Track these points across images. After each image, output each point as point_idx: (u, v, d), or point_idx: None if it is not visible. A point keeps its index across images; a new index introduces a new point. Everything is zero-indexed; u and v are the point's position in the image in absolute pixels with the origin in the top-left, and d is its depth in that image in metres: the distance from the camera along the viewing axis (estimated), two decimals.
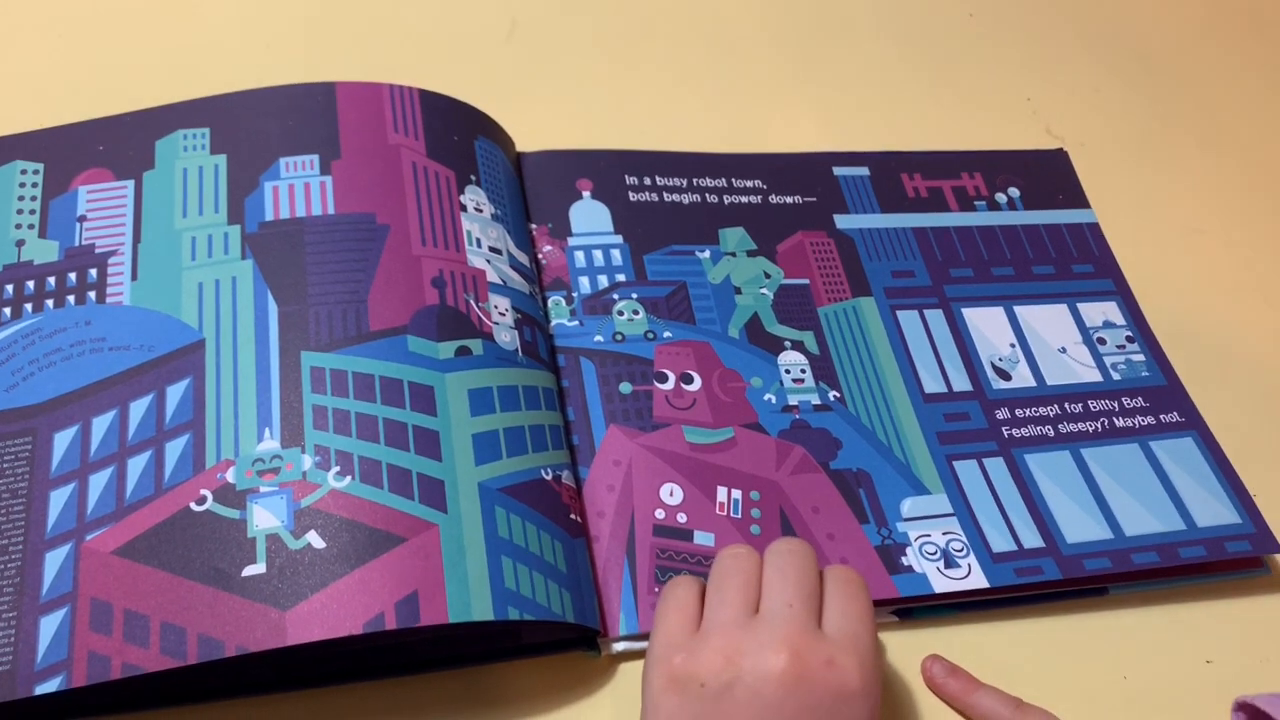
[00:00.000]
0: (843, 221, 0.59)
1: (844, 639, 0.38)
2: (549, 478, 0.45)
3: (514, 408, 0.46)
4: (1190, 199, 0.67)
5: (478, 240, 0.50)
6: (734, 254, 0.56)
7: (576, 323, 0.52)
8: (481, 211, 0.52)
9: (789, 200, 0.59)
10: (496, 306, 0.49)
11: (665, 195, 0.58)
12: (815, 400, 0.52)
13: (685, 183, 0.59)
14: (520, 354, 0.48)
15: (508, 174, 0.55)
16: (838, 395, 0.52)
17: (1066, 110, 0.69)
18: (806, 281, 0.56)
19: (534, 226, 0.55)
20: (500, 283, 0.50)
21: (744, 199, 0.59)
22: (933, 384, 0.53)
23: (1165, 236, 0.64)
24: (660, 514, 0.47)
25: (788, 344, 0.54)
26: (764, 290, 0.55)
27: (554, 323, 0.52)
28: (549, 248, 0.55)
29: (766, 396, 0.51)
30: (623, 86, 0.66)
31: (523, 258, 0.53)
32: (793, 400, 0.52)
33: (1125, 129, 0.69)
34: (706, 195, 0.59)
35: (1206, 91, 0.73)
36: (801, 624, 0.38)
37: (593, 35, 0.68)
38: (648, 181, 0.58)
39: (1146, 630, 0.48)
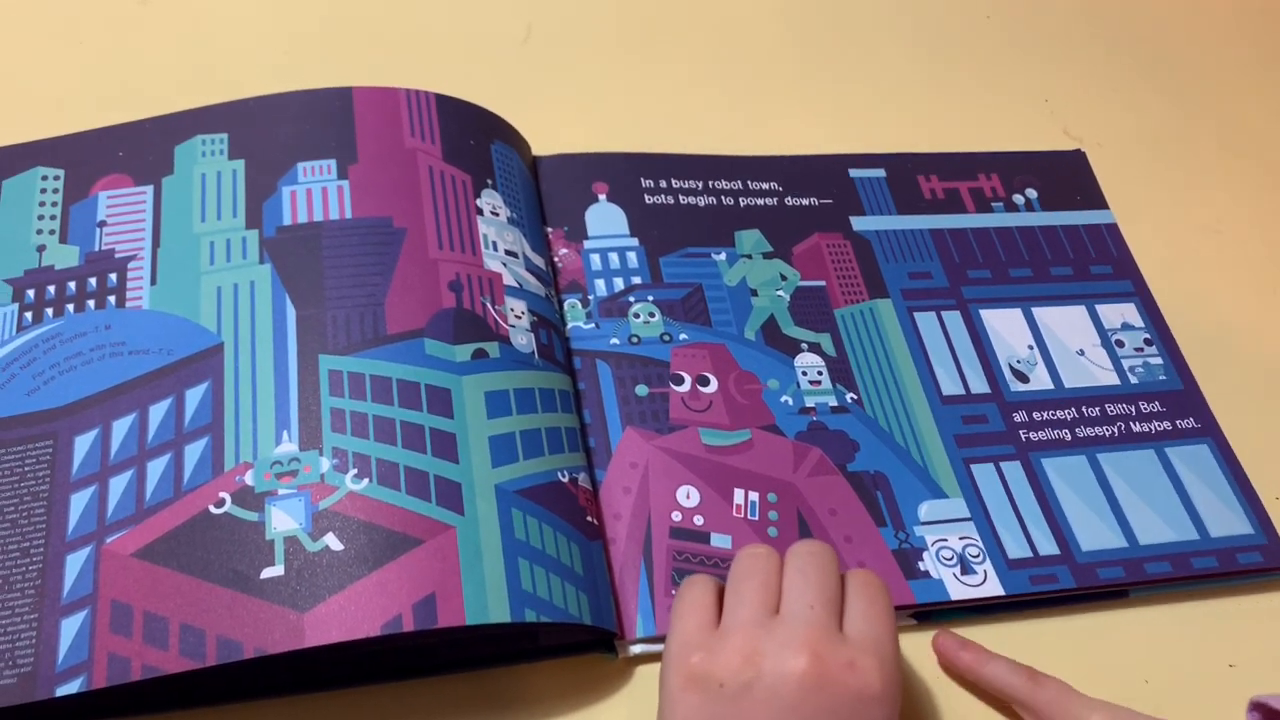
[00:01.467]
0: (859, 223, 0.59)
1: (865, 642, 0.38)
2: (565, 480, 0.45)
3: (530, 410, 0.46)
4: (1209, 199, 0.66)
5: (494, 243, 0.51)
6: (750, 256, 0.56)
7: (592, 325, 0.52)
8: (498, 215, 0.52)
9: (805, 202, 0.59)
10: (513, 309, 0.49)
11: (681, 198, 0.58)
12: (832, 402, 0.52)
13: (701, 185, 0.59)
14: (536, 356, 0.48)
15: (524, 177, 0.55)
16: (855, 397, 0.52)
17: (1084, 111, 0.69)
18: (823, 283, 0.56)
19: (550, 229, 0.55)
20: (516, 286, 0.50)
21: (760, 201, 0.59)
22: (950, 386, 0.53)
23: (1184, 237, 0.64)
24: (677, 516, 0.47)
25: (804, 346, 0.53)
26: (780, 292, 0.55)
27: (570, 325, 0.52)
28: (565, 250, 0.55)
29: (783, 398, 0.51)
30: (638, 89, 0.66)
31: (539, 261, 0.53)
32: (810, 402, 0.51)
33: (1143, 129, 0.69)
34: (722, 197, 0.58)
35: (1225, 91, 0.72)
36: (823, 626, 0.38)
37: (608, 39, 0.68)
38: (663, 184, 0.58)
39: (1168, 633, 0.48)
